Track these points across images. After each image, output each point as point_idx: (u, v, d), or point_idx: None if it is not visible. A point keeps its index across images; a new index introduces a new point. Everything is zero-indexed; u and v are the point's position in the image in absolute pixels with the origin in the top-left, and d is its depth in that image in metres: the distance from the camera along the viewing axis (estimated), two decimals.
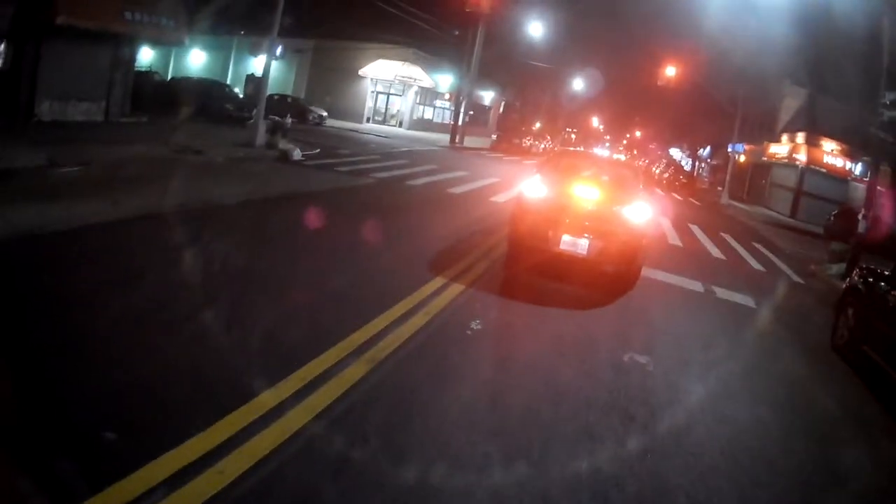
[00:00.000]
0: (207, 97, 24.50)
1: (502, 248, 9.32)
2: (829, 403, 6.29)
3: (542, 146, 43.39)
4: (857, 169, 31.57)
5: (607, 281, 8.36)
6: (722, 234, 18.77)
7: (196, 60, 46.99)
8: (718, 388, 5.85)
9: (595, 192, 8.23)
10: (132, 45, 18.66)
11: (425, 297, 6.72)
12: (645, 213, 8.18)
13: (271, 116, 19.12)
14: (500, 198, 15.85)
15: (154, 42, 23.45)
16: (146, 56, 43.37)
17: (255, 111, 18.44)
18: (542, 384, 5.08)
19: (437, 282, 7.33)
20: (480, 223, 11.86)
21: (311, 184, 13.68)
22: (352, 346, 4.99)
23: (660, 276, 10.02)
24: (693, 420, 4.95)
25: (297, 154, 17.01)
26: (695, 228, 18.47)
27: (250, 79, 20.48)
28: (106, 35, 16.37)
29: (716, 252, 14.70)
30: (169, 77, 37.60)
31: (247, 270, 6.76)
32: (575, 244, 7.91)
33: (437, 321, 6.06)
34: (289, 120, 20.05)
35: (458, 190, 16.56)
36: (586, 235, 7.90)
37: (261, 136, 17.53)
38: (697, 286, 10.12)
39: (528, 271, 8.49)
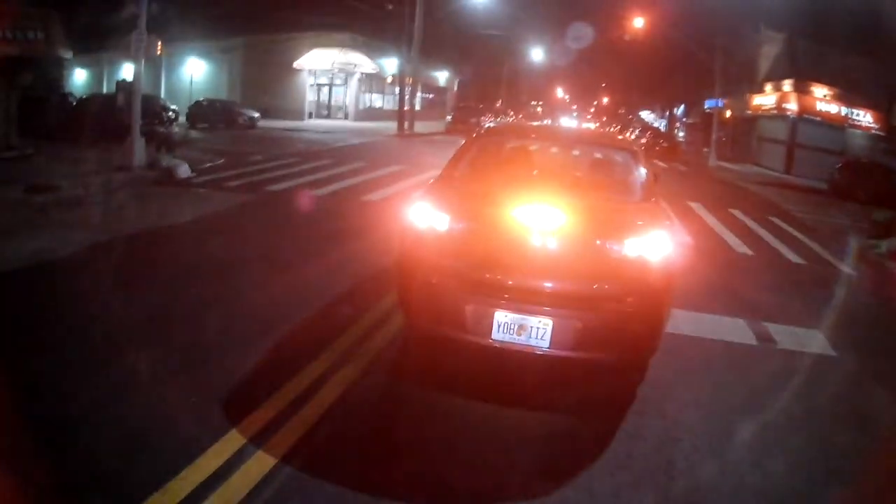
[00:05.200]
0: (118, 114, 20.72)
1: (399, 320, 5.13)
2: None
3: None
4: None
5: (589, 382, 4.28)
6: (730, 209, 14.77)
7: (127, 75, 42.29)
8: None
9: (559, 213, 3.93)
10: (6, 68, 15.08)
11: None
12: (664, 247, 3.94)
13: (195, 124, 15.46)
14: None
15: (26, 59, 19.74)
16: (80, 77, 39.04)
17: (173, 122, 14.77)
18: None
19: (218, 453, 3.24)
20: (388, 254, 7.55)
21: (165, 217, 9.59)
22: None
23: (682, 321, 5.89)
24: None
25: (183, 171, 13.57)
26: (697, 207, 14.41)
27: (121, 86, 16.36)
28: None
29: (737, 244, 10.68)
30: (89, 97, 33.52)
31: None
32: (523, 329, 3.76)
33: None
34: (176, 129, 16.20)
35: (376, 196, 12.31)
36: (547, 310, 3.77)
37: (140, 155, 13.77)
38: (744, 332, 6.07)
39: (438, 385, 4.35)
